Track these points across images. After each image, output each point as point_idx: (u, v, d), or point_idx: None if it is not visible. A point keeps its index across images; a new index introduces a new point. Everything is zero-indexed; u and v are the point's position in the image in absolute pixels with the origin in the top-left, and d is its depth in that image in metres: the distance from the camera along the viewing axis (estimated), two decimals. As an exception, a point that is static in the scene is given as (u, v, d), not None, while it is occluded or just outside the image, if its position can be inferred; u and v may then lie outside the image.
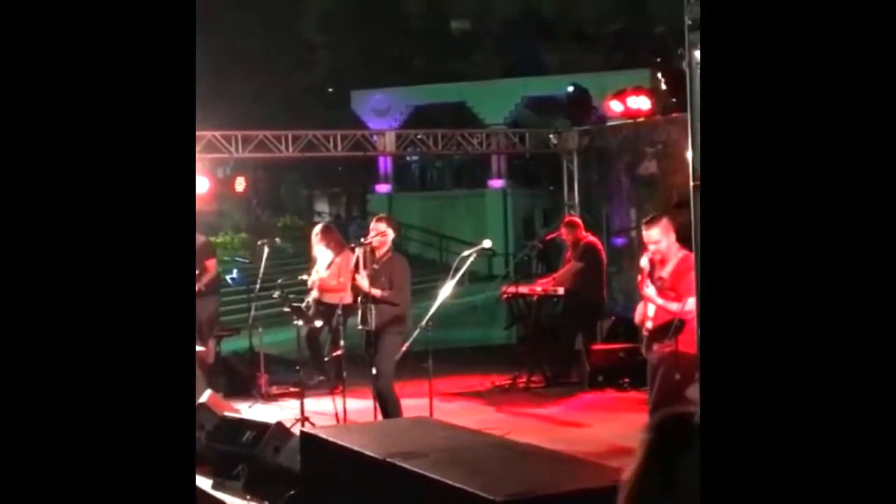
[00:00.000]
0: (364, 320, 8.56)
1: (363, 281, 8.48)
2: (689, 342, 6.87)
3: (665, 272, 7.15)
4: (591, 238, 12.01)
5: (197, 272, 11.18)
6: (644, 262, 7.20)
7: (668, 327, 7.02)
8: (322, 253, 11.22)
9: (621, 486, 2.74)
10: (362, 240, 8.98)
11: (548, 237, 13.14)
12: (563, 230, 11.96)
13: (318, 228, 11.66)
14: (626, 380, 11.01)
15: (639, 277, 7.28)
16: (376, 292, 8.45)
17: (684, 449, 2.70)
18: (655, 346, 7.18)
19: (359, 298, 8.59)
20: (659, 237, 7.13)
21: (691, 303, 6.71)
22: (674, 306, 6.98)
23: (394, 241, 8.87)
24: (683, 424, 2.75)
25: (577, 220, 12.30)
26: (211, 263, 11.88)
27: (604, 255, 11.87)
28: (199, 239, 11.09)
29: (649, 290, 7.10)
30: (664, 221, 7.22)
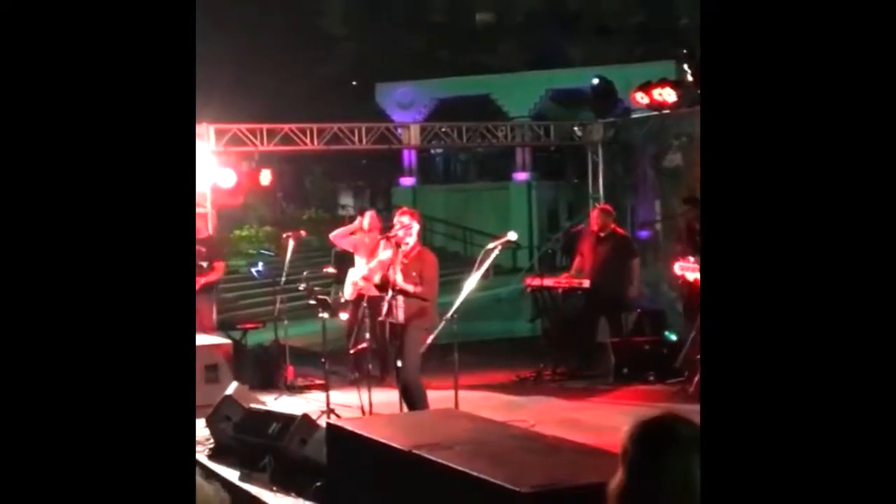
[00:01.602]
0: (390, 313, 8.57)
1: (397, 276, 8.49)
2: None
3: None
4: (619, 229, 11.99)
5: (204, 265, 11.20)
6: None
7: None
8: (365, 241, 11.22)
9: (609, 494, 2.71)
10: (388, 234, 8.99)
11: (573, 229, 13.12)
12: (598, 214, 11.84)
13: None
14: (651, 373, 10.99)
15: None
16: (408, 287, 8.45)
17: (667, 455, 2.65)
18: None
19: (389, 292, 8.58)
20: None
21: None
22: None
23: (419, 235, 8.87)
24: (663, 431, 2.71)
25: (610, 207, 12.22)
26: (220, 266, 11.87)
27: (633, 245, 11.82)
28: (215, 237, 11.09)
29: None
30: None
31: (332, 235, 11.67)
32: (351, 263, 11.60)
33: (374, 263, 10.51)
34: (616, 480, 2.69)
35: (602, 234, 11.67)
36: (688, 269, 8.40)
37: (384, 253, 10.01)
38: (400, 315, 8.56)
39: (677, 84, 12.64)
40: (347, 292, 11.36)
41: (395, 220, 8.91)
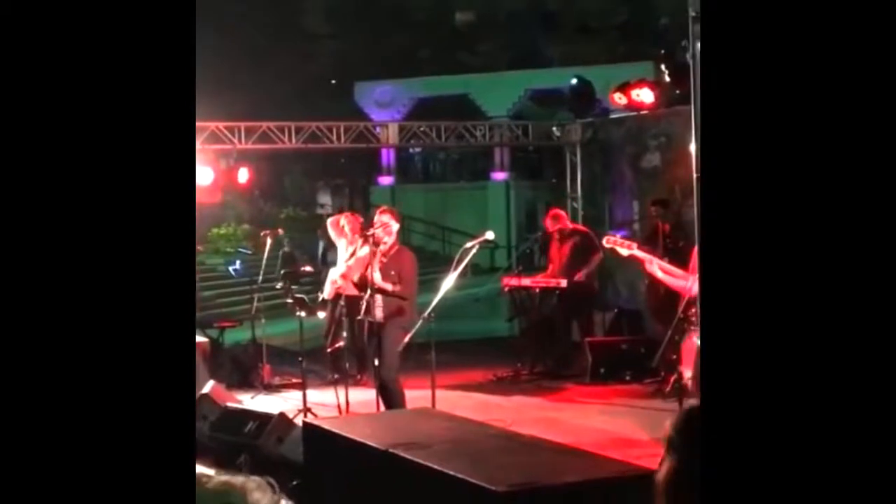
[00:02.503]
0: (368, 311, 8.56)
1: (375, 275, 8.48)
2: None
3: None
4: (580, 227, 12.14)
5: None
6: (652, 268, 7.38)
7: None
8: (342, 244, 11.16)
9: (656, 485, 2.75)
10: (367, 232, 8.98)
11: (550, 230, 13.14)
12: (548, 222, 12.08)
13: (343, 218, 11.55)
14: (628, 373, 11.02)
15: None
16: (387, 287, 8.45)
17: None
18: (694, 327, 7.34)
19: (367, 290, 8.57)
20: None
21: (692, 280, 6.95)
22: (678, 282, 7.20)
23: (398, 234, 8.87)
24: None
25: (560, 211, 12.40)
26: None
27: (595, 241, 11.78)
28: None
29: (652, 267, 7.30)
30: None
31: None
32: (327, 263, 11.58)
33: (352, 262, 10.48)
34: (664, 470, 2.74)
35: (563, 234, 11.78)
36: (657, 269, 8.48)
37: (363, 251, 9.99)
38: (378, 314, 8.56)
39: (655, 84, 12.66)
40: (326, 291, 11.33)
41: (375, 218, 8.91)
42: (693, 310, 7.49)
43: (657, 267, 7.54)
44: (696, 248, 7.35)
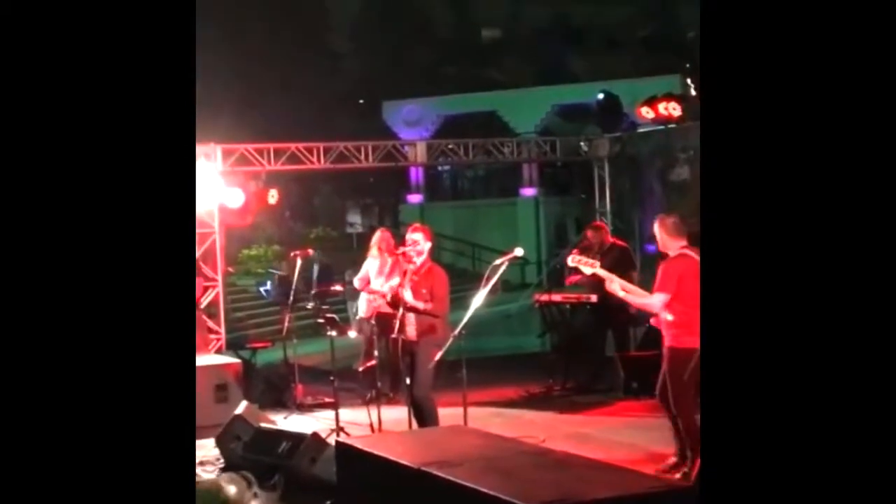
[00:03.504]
0: (402, 330, 8.58)
1: (406, 293, 8.50)
2: (676, 336, 7.43)
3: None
4: (620, 241, 12.02)
5: None
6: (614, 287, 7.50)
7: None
8: (377, 262, 11.19)
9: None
10: (399, 250, 9.00)
11: (581, 245, 13.12)
12: (589, 233, 11.98)
13: (378, 233, 11.57)
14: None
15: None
16: (419, 305, 8.47)
17: None
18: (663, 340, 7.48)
19: (399, 308, 8.60)
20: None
21: (658, 299, 7.38)
22: (641, 300, 7.35)
23: (430, 252, 8.88)
24: None
25: (603, 223, 12.30)
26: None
27: (634, 258, 11.82)
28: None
29: (613, 286, 7.44)
30: (658, 223, 7.77)
31: (359, 287, 11.54)
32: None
33: (388, 282, 10.52)
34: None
35: (602, 248, 11.72)
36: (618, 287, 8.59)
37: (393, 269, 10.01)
38: (411, 332, 8.57)
39: (682, 98, 12.65)
40: (362, 310, 11.35)
41: (407, 236, 8.92)
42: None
43: (618, 286, 7.60)
44: (661, 266, 7.50)
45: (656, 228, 7.74)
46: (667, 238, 7.65)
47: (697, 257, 7.26)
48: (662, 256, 7.74)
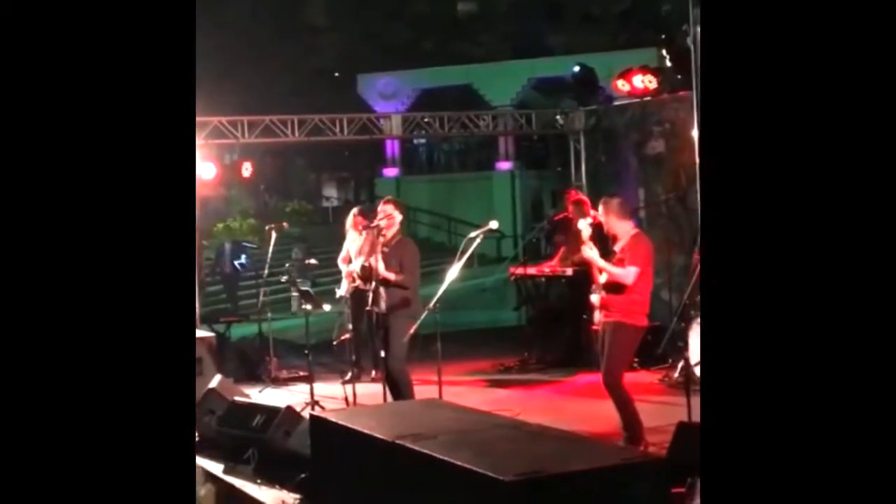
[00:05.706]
0: (375, 303, 8.57)
1: (378, 264, 8.50)
2: (630, 312, 7.38)
3: (617, 247, 7.63)
4: (598, 217, 11.98)
5: None
6: (582, 225, 7.53)
7: (616, 291, 7.40)
8: (356, 238, 11.13)
9: None
10: (371, 223, 8.98)
11: (556, 218, 13.09)
12: (571, 208, 11.91)
13: (350, 216, 11.50)
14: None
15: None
16: (389, 275, 8.47)
17: None
18: (604, 314, 7.40)
19: (372, 282, 8.58)
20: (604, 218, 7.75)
21: (632, 271, 7.30)
22: (618, 271, 7.27)
23: (402, 224, 8.87)
24: None
25: (584, 197, 12.26)
26: None
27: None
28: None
29: (592, 252, 7.42)
30: (603, 206, 7.76)
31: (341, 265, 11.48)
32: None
33: (358, 258, 10.50)
34: None
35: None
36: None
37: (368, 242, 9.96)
38: (383, 305, 8.57)
39: (657, 71, 12.61)
40: (343, 288, 11.30)
41: (379, 208, 8.91)
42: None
43: (596, 253, 7.62)
44: (631, 241, 7.53)
45: (601, 211, 7.73)
46: (615, 220, 7.65)
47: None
48: (612, 239, 7.75)
